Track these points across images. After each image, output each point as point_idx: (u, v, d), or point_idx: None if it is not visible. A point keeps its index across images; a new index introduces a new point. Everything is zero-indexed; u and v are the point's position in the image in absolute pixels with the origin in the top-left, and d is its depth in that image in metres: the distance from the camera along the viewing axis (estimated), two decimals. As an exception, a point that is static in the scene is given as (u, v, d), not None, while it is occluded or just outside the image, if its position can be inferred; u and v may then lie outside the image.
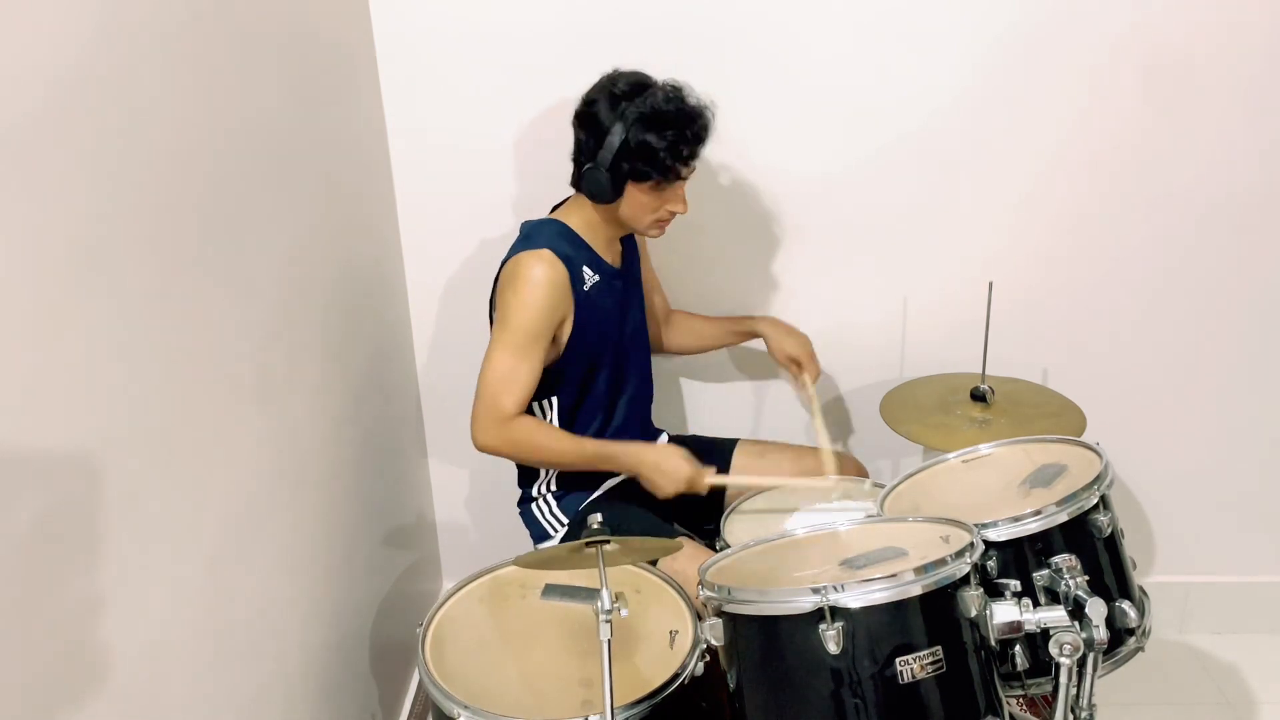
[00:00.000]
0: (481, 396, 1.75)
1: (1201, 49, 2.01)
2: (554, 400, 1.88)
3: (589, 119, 1.74)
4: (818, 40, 2.03)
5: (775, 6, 2.01)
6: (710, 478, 1.82)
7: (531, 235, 1.81)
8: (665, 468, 1.79)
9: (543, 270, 1.73)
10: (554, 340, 1.81)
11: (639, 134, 1.68)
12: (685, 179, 1.76)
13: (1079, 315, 2.21)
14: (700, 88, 1.79)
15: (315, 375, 1.67)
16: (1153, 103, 2.05)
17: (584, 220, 1.83)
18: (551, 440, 1.81)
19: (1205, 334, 2.22)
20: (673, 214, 1.80)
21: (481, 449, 1.78)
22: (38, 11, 0.95)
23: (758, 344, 2.25)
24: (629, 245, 1.97)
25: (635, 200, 1.76)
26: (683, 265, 2.20)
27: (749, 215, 2.16)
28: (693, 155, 1.73)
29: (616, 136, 1.69)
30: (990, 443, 1.72)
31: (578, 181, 1.79)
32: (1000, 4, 1.99)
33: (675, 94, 1.72)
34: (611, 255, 1.88)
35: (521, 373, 1.74)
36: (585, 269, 1.81)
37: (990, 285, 1.90)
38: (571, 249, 1.79)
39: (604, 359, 1.88)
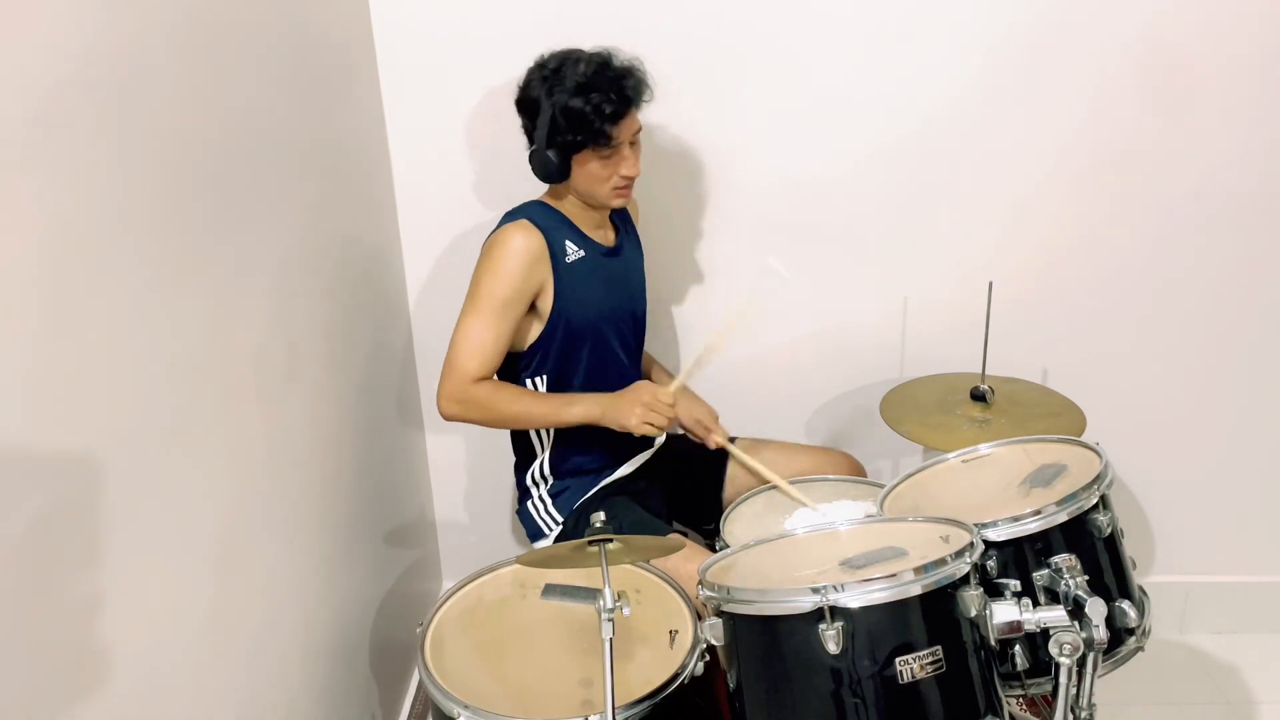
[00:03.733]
0: (449, 360, 1.76)
1: (1203, 51, 2.01)
2: (543, 378, 1.88)
3: (525, 104, 1.77)
4: (818, 41, 2.03)
5: (776, 8, 2.01)
6: (671, 387, 1.80)
7: (514, 213, 1.84)
8: (623, 400, 1.76)
9: (518, 238, 1.76)
10: (536, 311, 1.82)
11: (565, 103, 1.70)
12: (626, 140, 1.75)
13: (1079, 315, 2.21)
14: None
15: (315, 374, 1.68)
16: (1154, 104, 2.05)
17: (567, 202, 1.85)
18: (512, 401, 1.79)
19: (1205, 334, 2.22)
20: (628, 179, 1.79)
21: (446, 416, 1.77)
22: (41, 12, 0.95)
23: (757, 345, 2.26)
24: (627, 229, 1.97)
25: (585, 172, 1.77)
26: (683, 266, 2.20)
27: (749, 216, 2.16)
28: (618, 113, 1.71)
29: (547, 112, 1.72)
30: (990, 443, 1.72)
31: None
32: (1002, 5, 1.99)
33: (597, 57, 1.74)
34: (601, 235, 1.90)
35: (488, 339, 1.75)
36: (568, 243, 1.82)
37: (990, 285, 1.91)
38: (553, 224, 1.81)
39: (587, 335, 1.87)
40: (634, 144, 1.79)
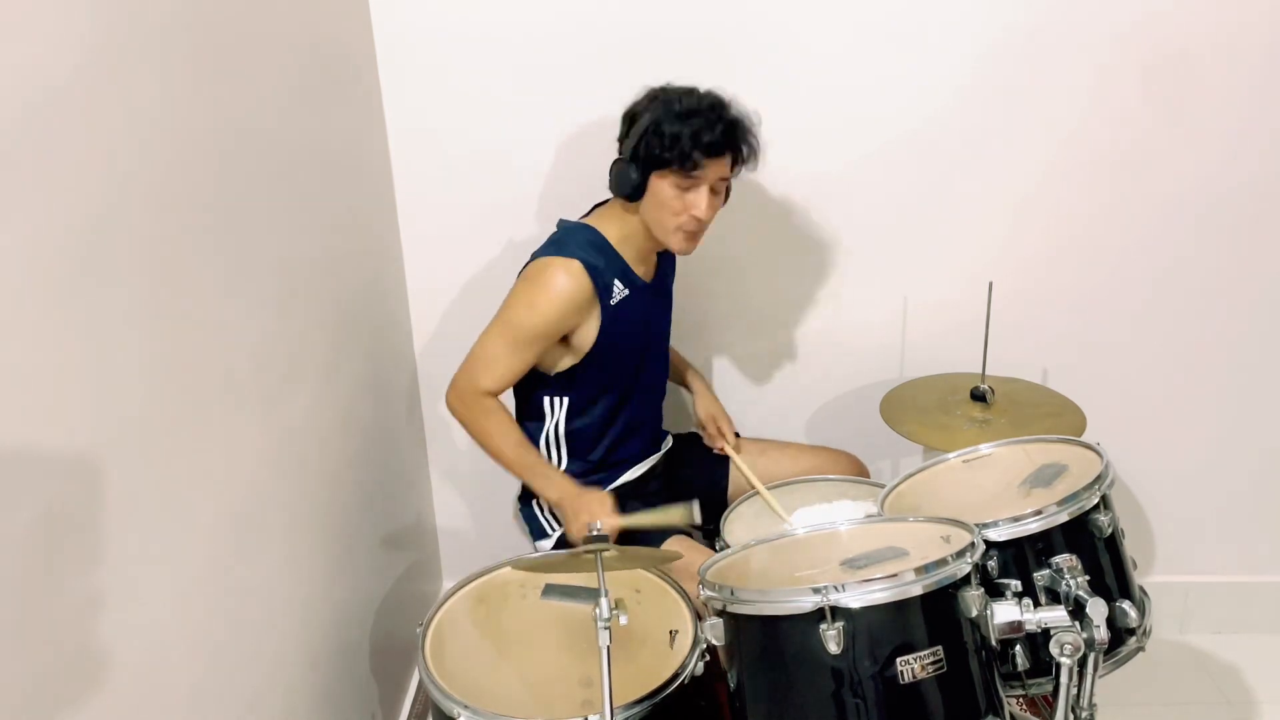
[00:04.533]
0: (466, 365, 1.81)
1: (1201, 48, 2.01)
2: (564, 399, 1.88)
3: (627, 117, 1.75)
4: (818, 40, 2.03)
5: (776, 7, 2.00)
6: (620, 521, 1.74)
7: (565, 241, 1.79)
8: (580, 505, 1.75)
9: (565, 281, 1.72)
10: (570, 346, 1.81)
11: (663, 119, 1.67)
12: (709, 182, 1.71)
13: (1079, 315, 2.21)
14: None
15: (315, 375, 1.67)
16: (1153, 102, 2.05)
17: (620, 230, 1.80)
18: (500, 435, 1.81)
19: (1205, 333, 2.22)
20: (698, 222, 1.73)
21: (448, 407, 1.85)
22: (37, 12, 0.95)
23: (757, 345, 2.26)
24: (665, 262, 1.95)
25: (657, 195, 1.71)
26: (684, 266, 2.19)
27: (749, 216, 2.16)
28: (714, 146, 1.67)
29: (643, 124, 1.69)
30: (990, 443, 1.72)
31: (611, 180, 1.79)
32: (1001, 5, 1.99)
33: (714, 97, 1.72)
34: (644, 269, 1.86)
35: (507, 363, 1.77)
36: (616, 282, 1.79)
37: (990, 285, 1.91)
38: (604, 260, 1.77)
39: (621, 371, 1.87)
40: (716, 192, 1.74)
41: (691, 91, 1.72)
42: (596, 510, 1.74)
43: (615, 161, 1.74)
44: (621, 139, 1.76)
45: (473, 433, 1.84)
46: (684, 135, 1.65)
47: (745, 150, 1.74)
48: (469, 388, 1.79)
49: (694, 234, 1.76)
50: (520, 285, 1.77)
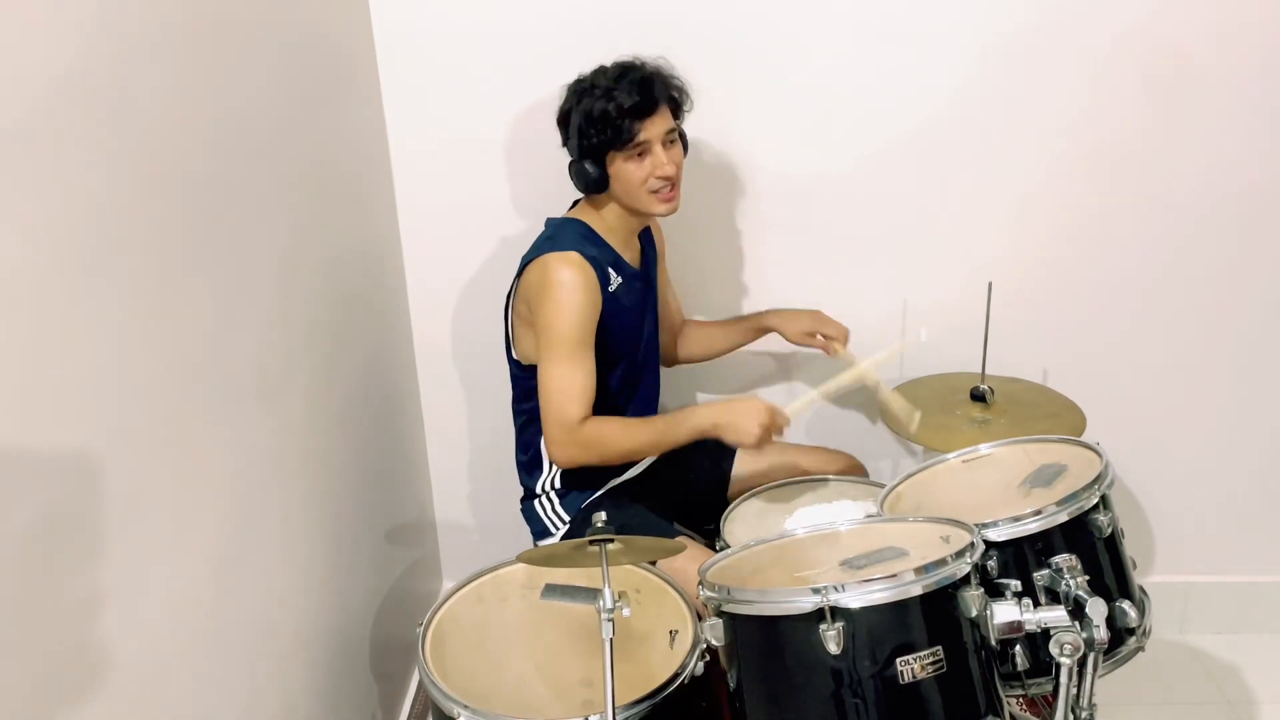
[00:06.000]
0: (549, 412, 1.74)
1: (1201, 49, 2.01)
2: None
3: (561, 118, 1.79)
4: (817, 40, 2.03)
5: (775, 7, 2.01)
6: (788, 409, 1.78)
7: (555, 236, 1.80)
8: (740, 409, 1.74)
9: (572, 273, 1.73)
10: None
11: (588, 106, 1.72)
12: (656, 139, 1.73)
13: (1079, 315, 2.21)
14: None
15: (315, 374, 1.67)
16: (1153, 102, 2.05)
17: (603, 219, 1.83)
18: (623, 432, 1.78)
19: (1205, 334, 2.22)
20: (666, 179, 1.75)
21: (563, 464, 1.81)
22: (36, 11, 0.95)
23: (762, 344, 2.25)
24: (648, 247, 1.96)
25: (622, 176, 1.75)
26: (683, 266, 2.19)
27: (750, 216, 2.16)
28: (639, 109, 1.70)
29: (576, 121, 1.74)
30: (990, 443, 1.72)
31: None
32: (1000, 4, 1.99)
33: (623, 63, 1.76)
34: (631, 255, 1.88)
35: (579, 378, 1.74)
36: (610, 270, 1.80)
37: (990, 285, 1.91)
38: (596, 250, 1.79)
39: (620, 361, 1.88)
40: (670, 144, 1.76)
41: (602, 69, 1.76)
42: (763, 416, 1.70)
43: (570, 164, 1.78)
44: (565, 143, 1.79)
45: (604, 461, 1.80)
46: (610, 111, 1.69)
47: (674, 95, 1.77)
48: (565, 429, 1.73)
49: (669, 193, 1.78)
50: (542, 301, 1.75)
